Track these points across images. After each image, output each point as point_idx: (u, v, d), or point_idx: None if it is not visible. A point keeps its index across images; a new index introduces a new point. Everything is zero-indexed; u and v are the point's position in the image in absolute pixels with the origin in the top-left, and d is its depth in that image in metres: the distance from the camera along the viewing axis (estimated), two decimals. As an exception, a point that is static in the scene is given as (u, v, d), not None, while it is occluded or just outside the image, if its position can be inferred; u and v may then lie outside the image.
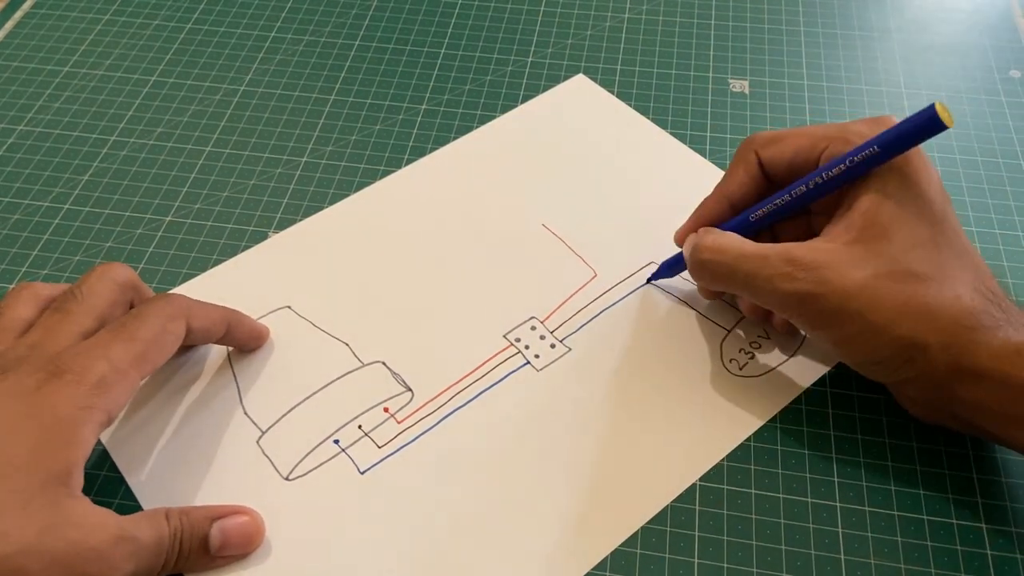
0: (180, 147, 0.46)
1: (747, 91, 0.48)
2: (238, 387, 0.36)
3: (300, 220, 0.42)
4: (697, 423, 0.34)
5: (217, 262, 0.40)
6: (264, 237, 0.41)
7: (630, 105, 0.47)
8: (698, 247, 0.33)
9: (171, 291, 0.39)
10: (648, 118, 0.46)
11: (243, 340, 0.36)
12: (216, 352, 0.37)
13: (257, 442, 0.34)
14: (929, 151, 0.45)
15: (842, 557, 0.31)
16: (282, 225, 0.42)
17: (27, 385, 0.27)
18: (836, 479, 0.33)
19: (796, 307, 0.31)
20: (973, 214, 0.42)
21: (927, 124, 0.29)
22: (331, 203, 0.43)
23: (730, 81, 0.49)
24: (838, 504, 0.32)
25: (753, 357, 0.36)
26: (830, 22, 0.52)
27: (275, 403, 0.35)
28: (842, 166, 0.31)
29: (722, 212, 0.35)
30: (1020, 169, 0.44)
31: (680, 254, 0.36)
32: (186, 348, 0.35)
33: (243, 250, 0.41)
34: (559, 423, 0.34)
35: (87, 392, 0.27)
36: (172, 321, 0.31)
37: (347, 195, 0.43)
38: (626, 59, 0.50)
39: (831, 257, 0.30)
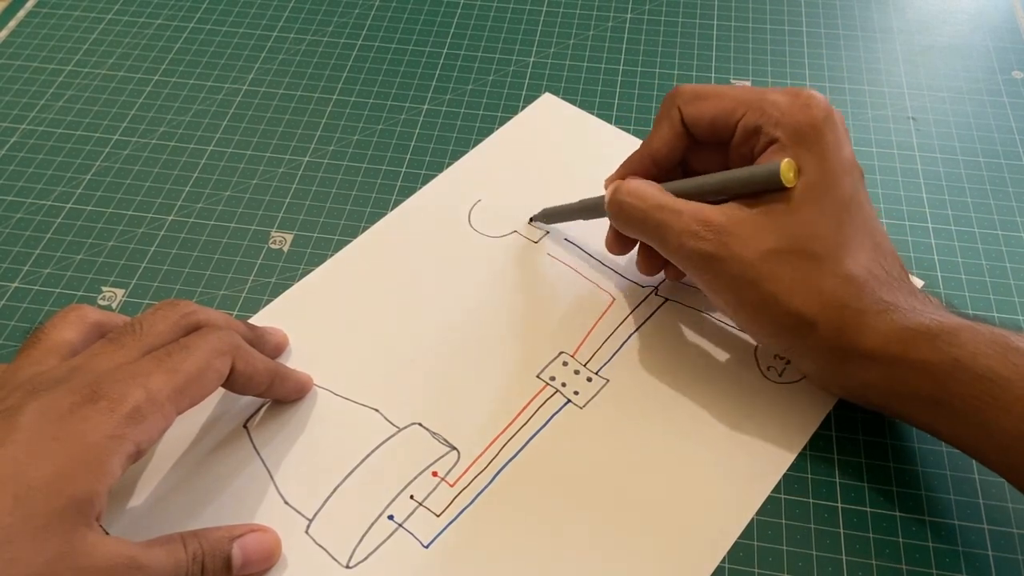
0: (182, 147, 0.46)
1: (749, 91, 0.48)
2: (271, 476, 0.33)
3: (297, 280, 0.42)
4: (754, 437, 0.34)
5: (219, 262, 0.40)
6: (266, 237, 0.41)
7: (632, 105, 0.47)
8: (619, 188, 0.34)
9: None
10: (651, 118, 0.46)
11: (285, 394, 0.35)
12: (237, 441, 0.34)
13: (306, 532, 0.31)
14: (932, 152, 0.45)
15: (843, 558, 0.31)
16: (284, 225, 0.42)
17: (60, 407, 0.26)
18: (838, 480, 0.33)
19: (698, 266, 0.32)
20: (975, 215, 0.42)
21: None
22: (332, 203, 0.43)
23: (732, 81, 0.49)
24: (839, 504, 0.32)
25: (789, 361, 0.36)
26: (832, 22, 0.52)
27: (315, 487, 0.32)
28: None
29: (646, 169, 0.36)
30: (1022, 170, 0.44)
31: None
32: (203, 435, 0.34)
33: (244, 251, 0.41)
34: (615, 460, 0.33)
35: (119, 421, 0.26)
36: (218, 357, 0.29)
37: (349, 195, 0.43)
38: (628, 59, 0.50)
39: (738, 225, 0.31)
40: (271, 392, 0.33)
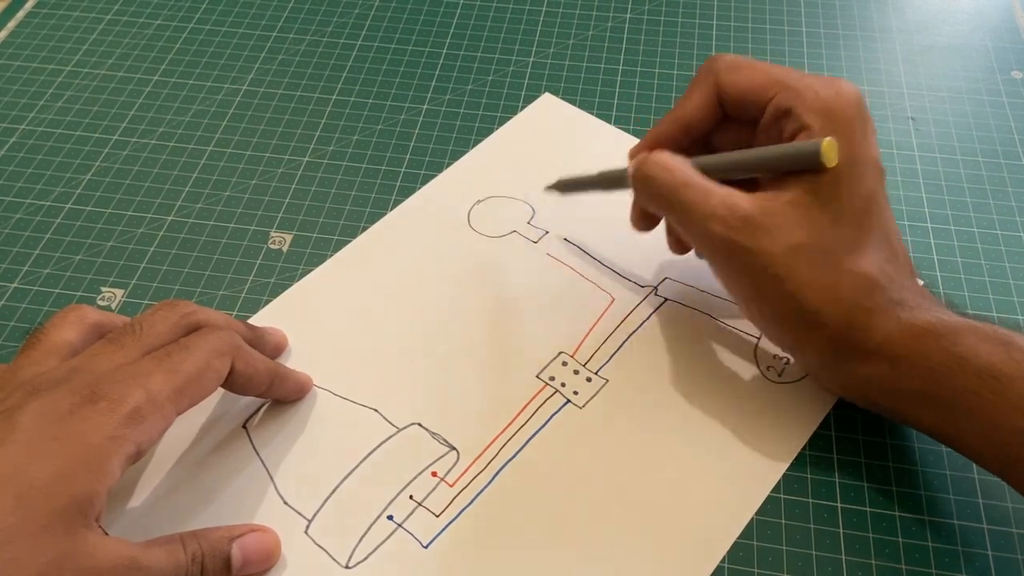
0: (182, 147, 0.46)
1: (749, 91, 0.48)
2: (270, 476, 0.33)
3: (297, 280, 0.42)
4: (753, 437, 0.34)
5: (218, 262, 0.40)
6: (266, 237, 0.41)
7: (632, 105, 0.47)
8: (647, 160, 0.33)
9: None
10: (651, 118, 0.46)
11: (285, 395, 0.35)
12: (237, 441, 0.34)
13: (305, 532, 0.31)
14: (931, 151, 0.45)
15: (843, 558, 0.31)
16: (283, 225, 0.42)
17: (60, 407, 0.26)
18: (837, 479, 0.33)
19: (721, 253, 0.31)
20: (975, 215, 0.42)
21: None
22: (332, 203, 0.43)
23: (732, 81, 0.49)
24: (839, 504, 0.32)
25: (789, 361, 0.36)
26: (832, 22, 0.52)
27: (314, 487, 0.32)
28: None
29: (675, 138, 0.34)
30: (1022, 170, 0.44)
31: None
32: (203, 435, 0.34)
33: (243, 251, 0.41)
34: (614, 460, 0.33)
35: (119, 421, 0.26)
36: (218, 358, 0.29)
37: (348, 195, 0.43)
38: (628, 59, 0.50)
39: (768, 217, 0.30)
40: (271, 392, 0.34)
